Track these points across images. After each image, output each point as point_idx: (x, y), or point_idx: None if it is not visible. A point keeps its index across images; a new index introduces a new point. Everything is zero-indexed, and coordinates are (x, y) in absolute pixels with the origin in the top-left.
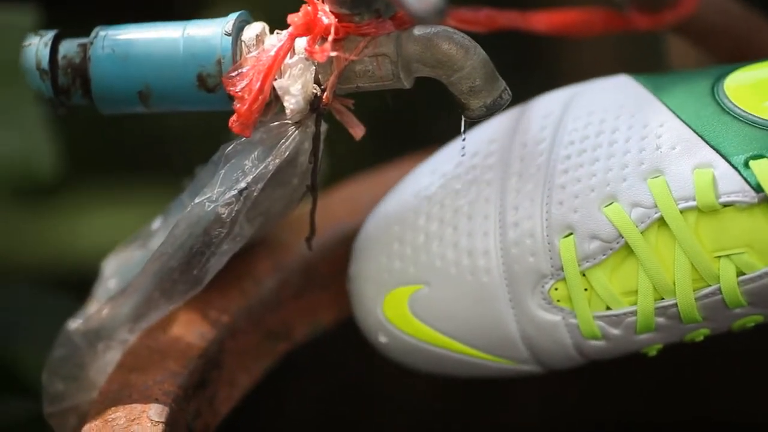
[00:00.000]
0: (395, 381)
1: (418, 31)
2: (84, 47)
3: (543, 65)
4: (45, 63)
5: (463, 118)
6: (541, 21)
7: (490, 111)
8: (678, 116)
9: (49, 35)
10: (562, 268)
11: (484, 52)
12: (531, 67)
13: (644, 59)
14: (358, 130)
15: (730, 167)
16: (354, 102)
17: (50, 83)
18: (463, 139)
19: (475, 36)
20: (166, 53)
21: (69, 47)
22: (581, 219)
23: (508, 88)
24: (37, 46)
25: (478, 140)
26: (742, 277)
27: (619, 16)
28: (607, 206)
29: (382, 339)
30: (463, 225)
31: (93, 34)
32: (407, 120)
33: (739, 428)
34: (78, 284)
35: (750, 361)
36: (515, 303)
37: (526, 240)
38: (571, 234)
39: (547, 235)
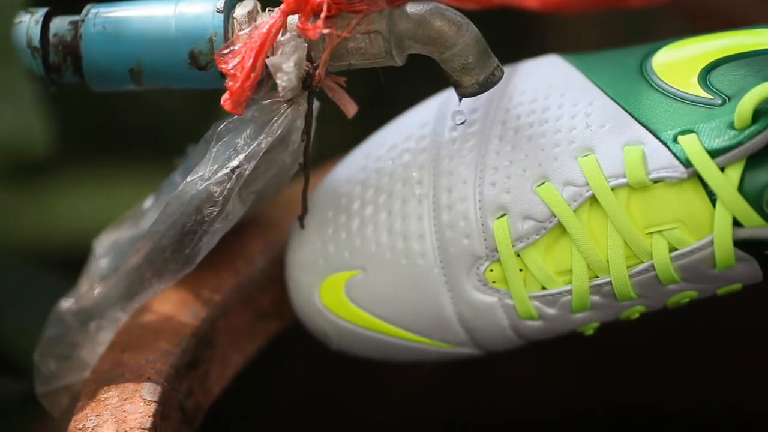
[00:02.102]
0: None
1: (410, 8)
2: (75, 25)
3: (532, 41)
4: (36, 41)
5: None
6: None
7: (483, 88)
8: (607, 94)
9: (40, 13)
10: (496, 250)
11: (476, 29)
12: (520, 44)
13: (632, 36)
14: (350, 108)
15: (660, 143)
16: (346, 79)
17: (41, 61)
18: (462, 121)
19: (467, 13)
20: (157, 31)
21: (60, 25)
22: (514, 199)
23: (500, 65)
24: (28, 23)
25: (410, 124)
26: (674, 253)
27: None
28: (539, 186)
29: (321, 326)
30: (397, 209)
31: (84, 11)
32: (400, 97)
33: (734, 414)
34: (70, 263)
35: (744, 345)
36: (451, 286)
37: (460, 222)
38: (505, 215)
39: (481, 217)
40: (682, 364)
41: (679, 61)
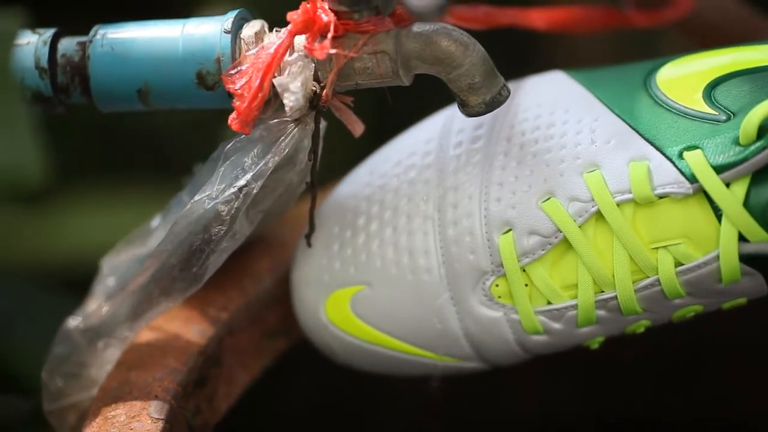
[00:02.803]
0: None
1: (417, 28)
2: (83, 45)
3: (539, 60)
4: (44, 61)
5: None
6: (540, 18)
7: (490, 107)
8: (612, 110)
9: (48, 33)
10: (502, 265)
11: (483, 49)
12: (527, 63)
13: (641, 54)
14: (357, 128)
15: (665, 159)
16: (353, 99)
17: (49, 82)
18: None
19: (473, 33)
20: (165, 51)
21: (68, 45)
22: (519, 215)
23: (507, 85)
24: (36, 44)
25: (416, 140)
26: (680, 268)
27: (617, 13)
28: (544, 201)
29: (327, 342)
30: (402, 224)
31: (92, 32)
32: (406, 117)
33: (738, 425)
34: (77, 282)
35: (749, 356)
36: (457, 301)
37: (466, 237)
38: (510, 230)
39: (486, 232)
40: (687, 374)
41: (684, 77)
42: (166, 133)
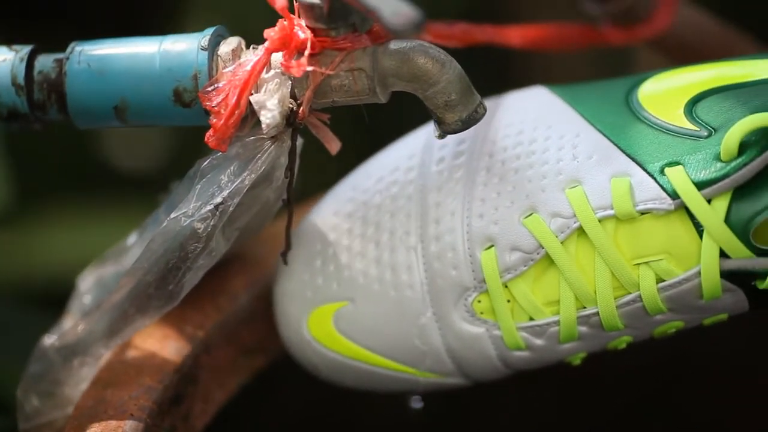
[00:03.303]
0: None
1: (394, 45)
2: (60, 62)
3: (515, 77)
4: (21, 78)
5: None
6: (516, 36)
7: (466, 125)
8: (594, 126)
9: (25, 50)
10: (484, 281)
11: (459, 67)
12: (504, 79)
13: (616, 70)
14: (333, 145)
15: (647, 175)
16: (330, 117)
17: (26, 99)
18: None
19: (450, 50)
20: (142, 68)
21: (45, 62)
22: (502, 231)
23: (483, 102)
24: (13, 61)
25: (398, 155)
26: (661, 284)
27: (593, 31)
28: (526, 217)
29: (310, 358)
30: (385, 240)
31: (69, 49)
32: (383, 133)
33: None
34: (53, 300)
35: (729, 376)
36: (439, 317)
37: (448, 253)
38: (492, 246)
39: (469, 248)
40: (667, 391)
41: (665, 93)
42: (145, 151)
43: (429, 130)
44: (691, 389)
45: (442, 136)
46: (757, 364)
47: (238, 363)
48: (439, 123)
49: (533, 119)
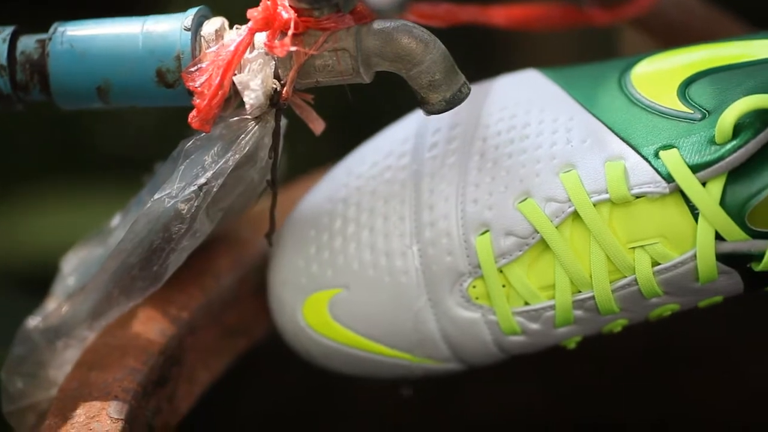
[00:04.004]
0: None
1: (377, 25)
2: (42, 43)
3: (499, 57)
4: (3, 59)
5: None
6: (500, 15)
7: (450, 105)
8: (587, 109)
9: (7, 31)
10: (479, 266)
11: (443, 46)
12: (488, 59)
13: (599, 51)
14: (318, 125)
15: (641, 158)
16: (314, 97)
17: (8, 79)
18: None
19: (434, 30)
20: (125, 49)
21: (27, 43)
22: (496, 216)
23: (467, 82)
24: None
25: (392, 140)
26: (657, 267)
27: (578, 11)
28: (521, 202)
29: (304, 345)
30: (379, 226)
31: (52, 29)
32: (368, 114)
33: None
34: (37, 282)
35: (714, 360)
36: (434, 302)
37: (443, 239)
38: (487, 231)
39: (463, 234)
40: (647, 375)
41: (658, 76)
42: (129, 131)
43: (420, 115)
44: (673, 372)
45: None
46: (737, 346)
47: (223, 344)
48: (423, 103)
49: (526, 103)
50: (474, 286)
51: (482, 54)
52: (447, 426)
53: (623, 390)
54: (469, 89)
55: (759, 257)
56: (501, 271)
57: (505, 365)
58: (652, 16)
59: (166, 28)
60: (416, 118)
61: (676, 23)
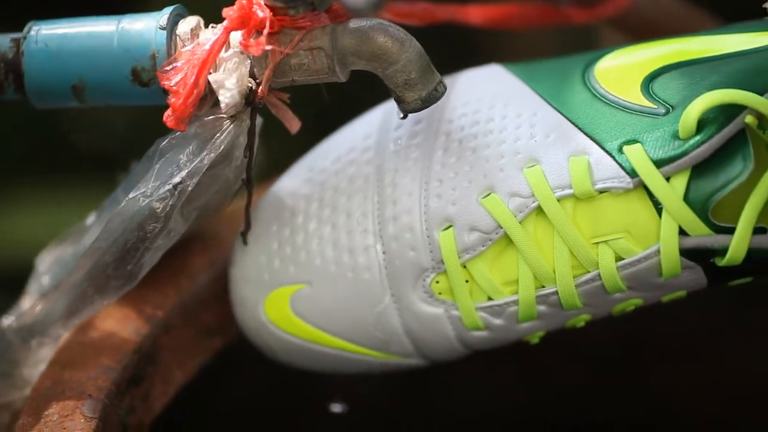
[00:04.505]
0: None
1: (353, 24)
2: (17, 42)
3: (477, 56)
4: None
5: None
6: (477, 14)
7: (426, 103)
8: (550, 104)
9: None
10: (442, 261)
11: (419, 45)
12: (464, 58)
13: (578, 49)
14: (293, 124)
15: (605, 153)
16: (290, 96)
17: None
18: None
19: (411, 29)
20: (100, 48)
21: (2, 42)
22: (459, 211)
23: (443, 81)
24: None
25: (354, 135)
26: (620, 262)
27: (555, 9)
28: (484, 197)
29: (266, 341)
30: (341, 222)
31: (26, 28)
32: (344, 113)
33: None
34: (11, 281)
35: (688, 349)
36: (397, 298)
37: (406, 234)
38: (451, 226)
39: (426, 229)
40: (623, 369)
41: (621, 70)
42: (105, 130)
43: (385, 108)
44: (651, 362)
45: (404, 117)
46: (716, 336)
47: (198, 343)
48: (399, 102)
49: (490, 98)
50: (437, 282)
51: (460, 52)
52: (426, 426)
53: (605, 389)
54: (445, 88)
55: (722, 252)
56: (464, 267)
57: (485, 366)
58: (629, 14)
59: (142, 27)
60: (379, 113)
61: (653, 21)
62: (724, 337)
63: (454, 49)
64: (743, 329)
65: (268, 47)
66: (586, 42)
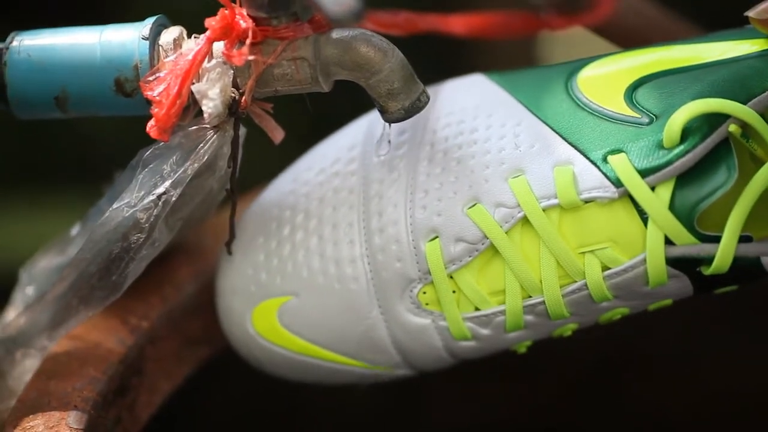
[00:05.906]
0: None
1: (336, 34)
2: (0, 52)
3: (460, 65)
4: None
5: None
6: (459, 24)
7: (409, 113)
8: (534, 114)
9: None
10: (429, 272)
11: (402, 55)
12: (447, 67)
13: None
14: (277, 134)
15: (590, 163)
16: (273, 106)
17: None
18: (389, 141)
19: (393, 39)
20: (83, 58)
21: None
22: (445, 222)
23: (426, 91)
24: None
25: (339, 146)
26: (607, 272)
27: (536, 18)
28: (470, 208)
29: (254, 352)
30: (328, 233)
31: (9, 39)
32: (327, 123)
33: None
34: None
35: (667, 362)
36: (384, 309)
37: (392, 246)
38: (437, 237)
39: (413, 240)
40: (608, 377)
41: (604, 79)
42: (89, 140)
43: (369, 119)
44: (631, 375)
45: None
46: (694, 349)
47: (184, 354)
48: (382, 112)
49: (473, 108)
50: (424, 292)
51: (443, 62)
52: None
53: (588, 398)
54: (428, 98)
55: (708, 261)
56: (451, 277)
57: (469, 375)
58: (610, 22)
59: (124, 38)
60: (363, 123)
61: (635, 30)
62: (701, 348)
63: (437, 58)
64: (723, 341)
65: (251, 57)
66: (569, 51)
